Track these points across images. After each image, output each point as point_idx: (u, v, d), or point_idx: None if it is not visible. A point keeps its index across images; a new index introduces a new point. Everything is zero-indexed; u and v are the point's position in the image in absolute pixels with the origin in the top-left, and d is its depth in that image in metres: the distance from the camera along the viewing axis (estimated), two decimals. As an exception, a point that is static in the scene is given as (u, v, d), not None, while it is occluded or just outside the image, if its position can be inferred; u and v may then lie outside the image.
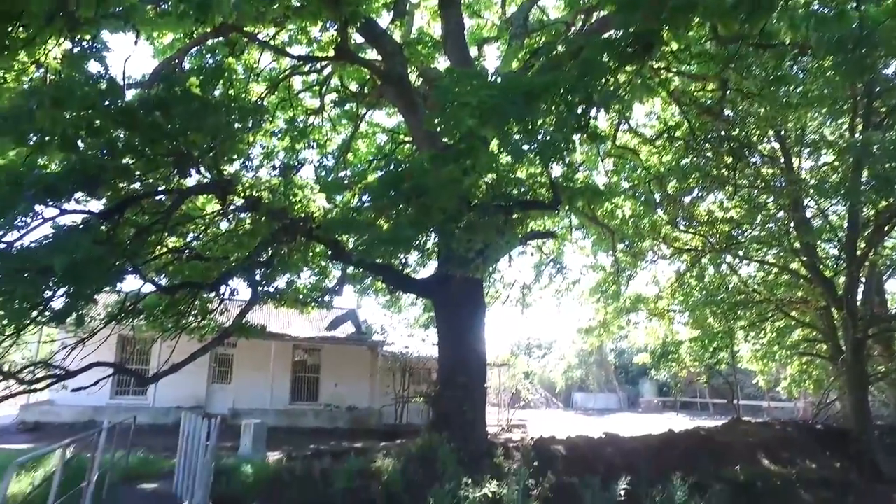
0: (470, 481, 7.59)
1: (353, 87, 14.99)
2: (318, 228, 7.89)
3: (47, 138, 4.90)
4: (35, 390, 7.88)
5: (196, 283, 8.14)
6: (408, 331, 19.76)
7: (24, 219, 5.10)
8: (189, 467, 8.53)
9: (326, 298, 15.41)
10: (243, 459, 9.87)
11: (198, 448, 8.10)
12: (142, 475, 9.84)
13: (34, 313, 5.28)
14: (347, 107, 15.55)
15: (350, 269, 15.89)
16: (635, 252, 17.33)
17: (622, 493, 8.46)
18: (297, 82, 14.83)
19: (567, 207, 9.11)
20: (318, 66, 13.73)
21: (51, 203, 5.86)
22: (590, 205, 10.87)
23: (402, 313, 19.75)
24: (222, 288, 8.37)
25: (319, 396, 19.76)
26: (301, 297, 14.25)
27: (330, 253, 9.85)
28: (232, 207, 7.51)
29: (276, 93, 13.91)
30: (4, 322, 5.12)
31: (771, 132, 13.68)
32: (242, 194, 7.16)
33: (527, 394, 22.84)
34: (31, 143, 4.93)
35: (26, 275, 4.64)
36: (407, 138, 15.71)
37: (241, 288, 10.47)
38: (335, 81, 14.87)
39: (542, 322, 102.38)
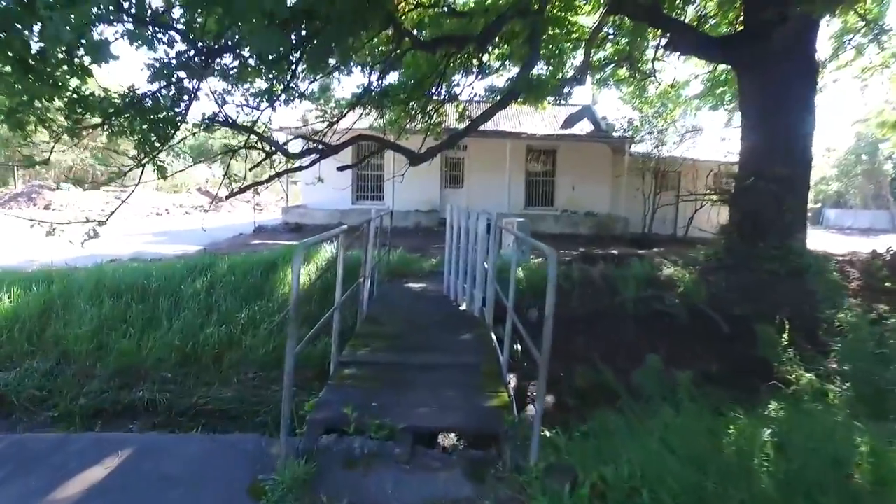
0: (858, 300, 5.39)
1: None
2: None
3: None
4: (300, 168, 7.38)
5: (458, 37, 6.36)
6: (657, 126, 16.50)
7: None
8: (460, 266, 7.66)
9: (565, 90, 13.14)
10: (509, 261, 8.83)
11: (475, 244, 7.03)
12: (405, 273, 9.50)
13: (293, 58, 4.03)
14: None
15: (594, 54, 13.12)
16: None
17: None
18: None
19: None
20: None
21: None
22: None
23: (646, 109, 16.44)
24: (487, 49, 6.49)
25: (555, 201, 18.33)
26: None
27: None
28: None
29: None
30: (269, 73, 3.97)
31: None
32: None
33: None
34: None
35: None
36: None
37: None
38: None
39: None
